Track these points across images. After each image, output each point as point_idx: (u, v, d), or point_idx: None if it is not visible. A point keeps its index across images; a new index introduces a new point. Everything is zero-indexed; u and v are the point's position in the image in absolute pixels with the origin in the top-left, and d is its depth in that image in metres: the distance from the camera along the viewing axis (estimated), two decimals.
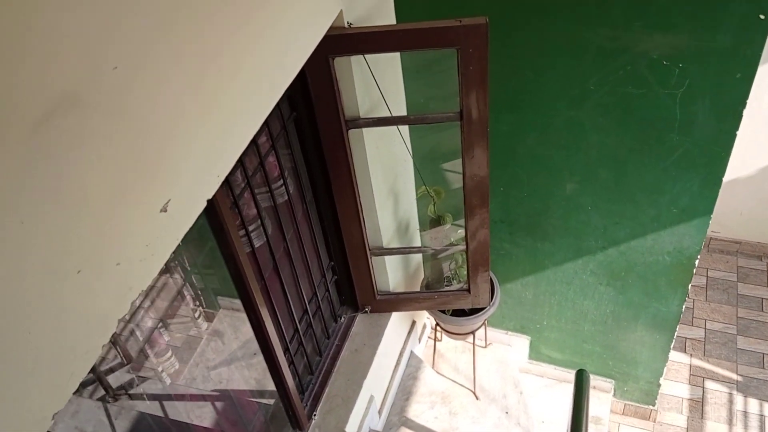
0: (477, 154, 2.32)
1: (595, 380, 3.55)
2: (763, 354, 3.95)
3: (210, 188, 1.52)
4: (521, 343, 3.55)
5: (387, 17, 2.36)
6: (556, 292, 3.22)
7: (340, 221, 2.58)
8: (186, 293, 2.15)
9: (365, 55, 2.17)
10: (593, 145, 2.59)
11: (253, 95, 1.62)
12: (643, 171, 2.60)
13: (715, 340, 4.05)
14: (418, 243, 3.12)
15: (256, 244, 2.20)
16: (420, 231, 3.10)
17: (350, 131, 2.30)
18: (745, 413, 3.69)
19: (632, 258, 2.92)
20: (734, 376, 3.86)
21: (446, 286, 3.08)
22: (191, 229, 1.45)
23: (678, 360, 3.96)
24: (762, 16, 2.10)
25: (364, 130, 2.34)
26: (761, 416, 3.67)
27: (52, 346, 1.07)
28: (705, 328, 4.11)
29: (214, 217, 1.81)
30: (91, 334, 1.16)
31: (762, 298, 4.23)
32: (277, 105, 2.13)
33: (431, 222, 2.81)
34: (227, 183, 1.93)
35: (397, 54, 2.50)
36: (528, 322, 3.45)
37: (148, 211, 1.29)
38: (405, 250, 2.86)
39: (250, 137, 1.65)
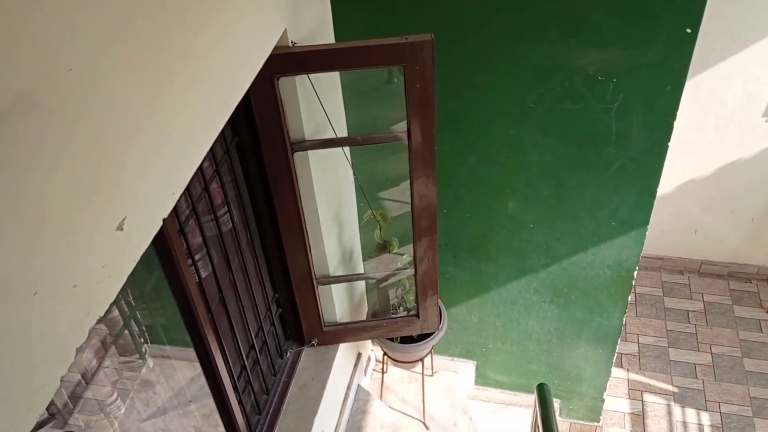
0: (425, 174, 2.31)
1: None
2: (695, 364, 4.08)
3: (165, 207, 1.43)
4: (467, 368, 3.52)
5: (327, 37, 2.33)
6: (501, 314, 3.22)
7: (285, 249, 2.49)
8: (130, 330, 2.01)
9: (310, 76, 2.13)
10: (534, 163, 2.63)
11: (206, 111, 1.55)
12: (583, 186, 2.66)
13: (649, 353, 4.16)
14: (362, 271, 3.06)
15: (203, 274, 2.08)
16: (363, 259, 3.04)
17: (296, 154, 2.24)
18: (685, 423, 3.78)
19: (574, 273, 2.96)
20: (670, 388, 3.96)
21: (392, 314, 3.02)
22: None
23: (616, 375, 4.03)
24: (689, 30, 2.20)
25: (309, 153, 2.28)
26: (700, 425, 3.77)
27: (7, 376, 0.95)
28: (638, 343, 4.22)
29: (162, 244, 1.70)
30: (49, 364, 1.04)
31: (687, 311, 4.39)
32: (221, 130, 2.06)
33: (377, 247, 2.76)
34: (173, 208, 1.82)
35: (338, 76, 2.47)
36: (473, 346, 3.43)
37: (104, 228, 1.18)
38: (353, 277, 2.79)
39: (203, 154, 1.57)
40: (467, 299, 3.21)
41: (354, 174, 2.67)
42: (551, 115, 2.48)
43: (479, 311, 3.25)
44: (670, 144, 2.49)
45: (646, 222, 2.71)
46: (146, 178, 1.31)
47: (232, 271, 2.26)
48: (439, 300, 2.99)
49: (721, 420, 3.77)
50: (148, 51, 1.26)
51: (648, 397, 3.94)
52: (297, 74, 2.05)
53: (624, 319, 3.09)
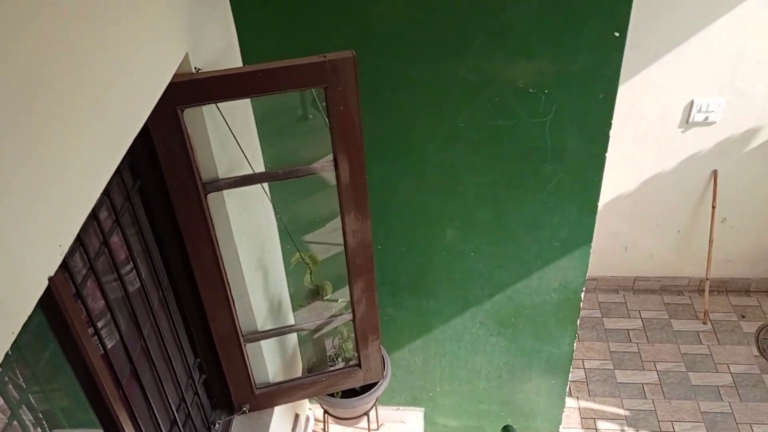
0: (356, 206, 2.09)
1: None
2: (642, 384, 3.98)
3: (51, 263, 1.15)
4: (415, 417, 3.27)
5: (234, 62, 2.11)
6: (446, 353, 3.01)
7: (204, 305, 2.20)
8: (18, 419, 1.67)
9: (219, 106, 1.89)
10: (469, 186, 2.46)
11: (97, 146, 1.28)
12: (522, 206, 2.51)
13: (596, 378, 4.04)
14: (293, 322, 2.79)
15: (108, 344, 1.77)
16: (293, 308, 2.77)
17: (209, 195, 1.97)
18: None
19: (519, 301, 2.80)
20: (622, 412, 3.84)
21: (330, 366, 2.75)
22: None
23: (567, 405, 3.87)
24: (617, 34, 2.12)
25: (225, 193, 2.03)
26: None
27: None
28: (584, 368, 4.10)
29: (54, 310, 1.39)
30: None
31: (627, 329, 4.32)
32: (119, 174, 1.78)
33: (309, 294, 2.50)
34: (66, 268, 1.52)
35: (251, 111, 2.24)
36: (420, 391, 3.19)
37: None
38: (285, 330, 2.51)
39: (97, 195, 1.29)
40: (410, 341, 2.98)
41: (277, 214, 2.43)
42: (483, 134, 2.33)
43: (424, 353, 3.02)
44: (607, 155, 2.38)
45: (590, 239, 2.59)
46: (22, 227, 1.03)
47: (144, 338, 1.95)
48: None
49: None
50: (15, 71, 1.00)
51: (601, 425, 3.80)
52: (203, 104, 1.80)
53: (574, 344, 2.94)
